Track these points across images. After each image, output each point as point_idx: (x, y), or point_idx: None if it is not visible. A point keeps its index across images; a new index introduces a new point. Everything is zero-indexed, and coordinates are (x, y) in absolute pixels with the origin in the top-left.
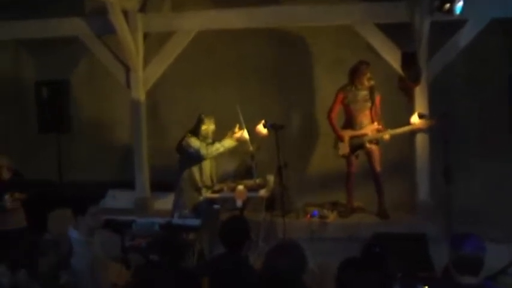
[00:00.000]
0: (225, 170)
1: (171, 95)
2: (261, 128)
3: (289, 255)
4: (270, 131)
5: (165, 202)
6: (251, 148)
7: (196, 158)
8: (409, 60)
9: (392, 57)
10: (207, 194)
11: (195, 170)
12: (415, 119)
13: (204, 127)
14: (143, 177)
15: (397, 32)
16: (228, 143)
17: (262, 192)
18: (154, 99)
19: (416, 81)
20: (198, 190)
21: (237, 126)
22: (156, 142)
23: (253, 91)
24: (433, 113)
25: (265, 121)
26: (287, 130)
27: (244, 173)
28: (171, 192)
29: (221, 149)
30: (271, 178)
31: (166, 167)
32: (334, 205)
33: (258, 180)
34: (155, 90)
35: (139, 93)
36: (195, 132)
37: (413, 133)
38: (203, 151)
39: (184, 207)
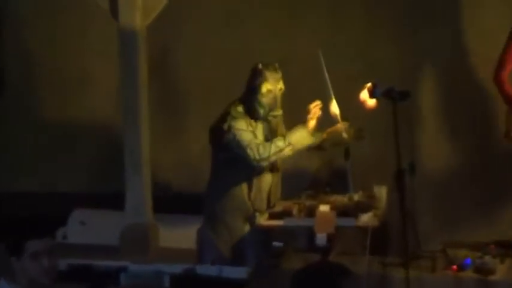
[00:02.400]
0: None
1: (193, 36)
2: (366, 97)
3: None
4: (380, 101)
5: (181, 234)
6: (345, 134)
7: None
8: None
9: None
10: (260, 219)
11: (242, 181)
12: None
13: (266, 87)
14: (140, 188)
15: None
16: (297, 137)
17: (366, 219)
18: (163, 43)
19: None
20: (246, 219)
21: (316, 104)
22: (165, 124)
23: (352, 30)
24: None
25: (374, 84)
26: (414, 102)
27: (331, 181)
28: (193, 217)
29: (287, 152)
30: (382, 192)
31: (181, 171)
32: (505, 247)
33: (357, 196)
34: (164, 25)
35: (135, 31)
36: (248, 100)
37: None
38: (253, 153)
39: (223, 247)
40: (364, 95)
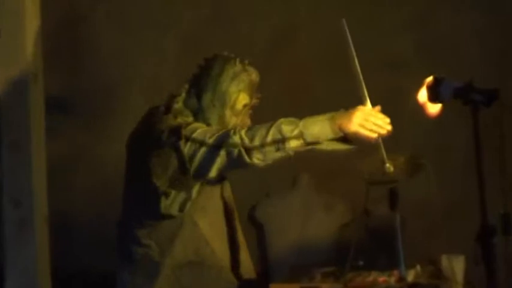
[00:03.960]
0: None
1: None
2: (426, 98)
3: None
4: (450, 106)
5: None
6: (389, 166)
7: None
8: None
9: None
10: None
11: (187, 221)
12: None
13: (244, 100)
14: (30, 260)
15: None
16: (315, 131)
17: None
18: (70, 9)
19: None
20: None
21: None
22: (72, 145)
23: None
24: None
25: (438, 78)
26: (509, 108)
27: (366, 248)
28: None
29: (293, 146)
30: (457, 265)
31: (99, 226)
32: None
33: (412, 274)
34: None
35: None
36: (203, 112)
37: None
38: (239, 138)
39: None
40: (423, 95)
